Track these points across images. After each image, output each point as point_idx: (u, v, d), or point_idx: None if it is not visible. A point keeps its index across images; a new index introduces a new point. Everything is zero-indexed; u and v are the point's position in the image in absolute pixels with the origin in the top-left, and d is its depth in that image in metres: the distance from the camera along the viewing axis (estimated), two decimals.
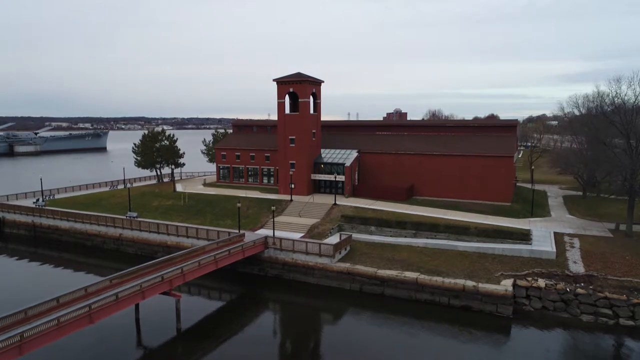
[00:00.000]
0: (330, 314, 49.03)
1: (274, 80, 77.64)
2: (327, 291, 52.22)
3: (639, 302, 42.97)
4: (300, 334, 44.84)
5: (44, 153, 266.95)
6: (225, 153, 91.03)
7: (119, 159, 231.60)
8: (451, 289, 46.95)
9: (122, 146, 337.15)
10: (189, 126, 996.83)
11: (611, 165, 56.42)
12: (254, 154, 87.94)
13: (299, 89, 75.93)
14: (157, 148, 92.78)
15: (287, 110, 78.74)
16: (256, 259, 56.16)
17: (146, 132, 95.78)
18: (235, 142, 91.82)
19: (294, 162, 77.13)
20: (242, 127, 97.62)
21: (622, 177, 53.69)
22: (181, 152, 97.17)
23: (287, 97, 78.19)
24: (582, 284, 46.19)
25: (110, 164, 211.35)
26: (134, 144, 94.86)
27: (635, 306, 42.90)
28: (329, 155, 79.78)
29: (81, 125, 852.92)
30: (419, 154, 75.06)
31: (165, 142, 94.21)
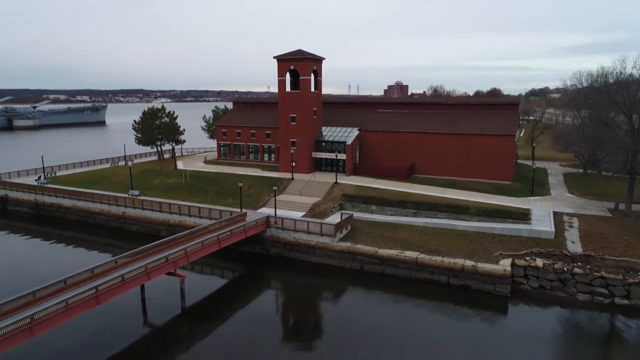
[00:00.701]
0: (332, 292, 49.98)
1: (274, 57, 76.69)
2: (328, 270, 53.12)
3: (634, 281, 43.80)
4: (301, 312, 45.96)
5: (43, 127, 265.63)
6: (225, 130, 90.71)
7: (119, 134, 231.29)
8: (450, 269, 47.76)
9: (121, 120, 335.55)
10: (188, 99, 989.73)
11: (613, 145, 56.44)
12: (254, 132, 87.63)
13: (299, 66, 75.06)
14: (157, 125, 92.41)
15: (288, 88, 78.07)
16: (258, 237, 56.85)
17: (146, 108, 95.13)
18: (236, 119, 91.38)
19: (295, 140, 76.97)
20: (243, 103, 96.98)
21: (624, 157, 53.74)
22: (181, 128, 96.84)
23: (287, 75, 77.37)
24: (580, 264, 46.97)
25: (110, 138, 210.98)
26: (134, 121, 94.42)
27: (631, 286, 43.75)
28: (330, 133, 79.56)
29: (79, 98, 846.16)
30: (420, 132, 74.84)
31: (166, 119, 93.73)
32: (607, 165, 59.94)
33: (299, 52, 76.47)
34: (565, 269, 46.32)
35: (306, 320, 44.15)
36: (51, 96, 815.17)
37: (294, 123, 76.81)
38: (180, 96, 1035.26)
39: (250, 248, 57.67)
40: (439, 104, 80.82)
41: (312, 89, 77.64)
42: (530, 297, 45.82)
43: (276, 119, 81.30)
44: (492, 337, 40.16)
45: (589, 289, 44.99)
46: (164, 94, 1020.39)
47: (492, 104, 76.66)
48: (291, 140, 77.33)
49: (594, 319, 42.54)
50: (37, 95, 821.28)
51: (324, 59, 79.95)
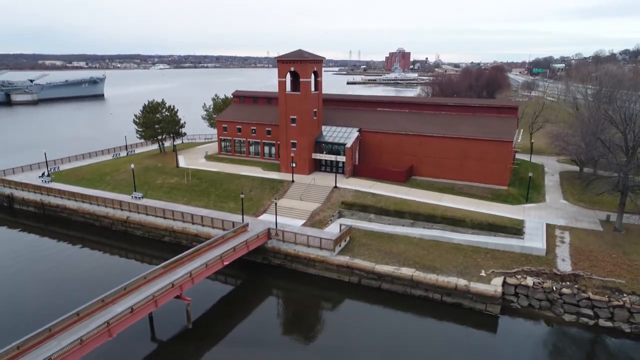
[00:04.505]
0: (331, 305, 52.38)
1: (274, 58, 76.51)
2: (328, 282, 55.32)
3: (619, 304, 45.91)
4: (301, 325, 48.53)
5: (42, 102, 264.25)
6: (226, 125, 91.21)
7: (118, 109, 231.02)
8: (444, 287, 49.85)
9: (119, 92, 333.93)
10: (186, 65, 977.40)
11: (606, 162, 57.46)
12: (255, 128, 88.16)
13: (300, 68, 74.89)
14: (158, 119, 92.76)
15: (288, 88, 78.15)
16: (260, 248, 58.71)
17: (147, 101, 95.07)
18: (236, 115, 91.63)
19: (295, 141, 77.72)
20: (243, 97, 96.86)
21: (617, 176, 54.78)
22: (182, 122, 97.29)
23: (288, 75, 77.25)
24: (568, 283, 49.00)
25: (109, 116, 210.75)
26: (135, 115, 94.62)
27: (615, 308, 45.92)
28: (330, 133, 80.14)
29: (76, 63, 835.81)
30: (419, 135, 75.50)
31: (166, 113, 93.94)
32: (600, 182, 60.69)
33: (299, 53, 76.15)
34: (554, 288, 48.38)
35: (305, 333, 46.67)
36: (47, 62, 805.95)
37: (294, 125, 77.32)
38: (178, 62, 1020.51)
39: (252, 257, 59.58)
40: (438, 104, 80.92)
41: (313, 90, 77.69)
42: (519, 316, 48.12)
43: (277, 115, 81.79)
44: (480, 356, 42.56)
45: (576, 310, 47.18)
46: (161, 59, 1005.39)
47: (491, 107, 76.94)
48: (291, 141, 78.08)
49: (578, 340, 44.99)
50: (32, 61, 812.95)
51: (324, 58, 79.68)
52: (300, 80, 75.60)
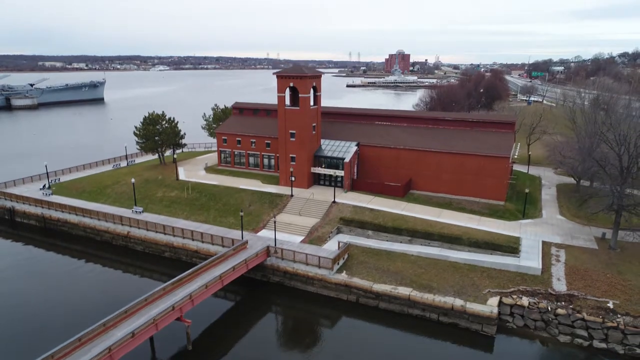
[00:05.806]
0: (329, 323, 53.06)
1: (274, 74, 77.16)
2: (326, 300, 55.98)
3: (612, 325, 46.60)
4: (299, 342, 49.24)
5: (42, 106, 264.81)
6: (226, 137, 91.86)
7: (118, 113, 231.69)
8: (441, 307, 50.52)
9: (119, 95, 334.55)
10: (186, 66, 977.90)
11: (602, 180, 58.10)
12: (254, 140, 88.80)
13: (299, 84, 75.53)
14: (158, 131, 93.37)
15: (288, 103, 78.78)
16: (259, 266, 59.35)
17: (147, 114, 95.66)
18: (236, 127, 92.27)
19: (295, 155, 78.36)
20: (243, 109, 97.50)
21: (612, 194, 55.41)
22: (182, 133, 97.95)
23: (287, 90, 77.89)
24: (563, 303, 49.70)
25: (110, 121, 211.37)
26: (135, 127, 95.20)
27: (609, 329, 46.63)
28: (329, 147, 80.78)
29: (75, 65, 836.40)
30: (417, 150, 76.18)
31: (166, 125, 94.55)
32: (595, 201, 61.25)
33: (298, 68, 76.86)
34: (549, 308, 49.06)
35: (304, 351, 47.34)
36: (47, 64, 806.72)
37: (294, 139, 77.95)
38: (178, 63, 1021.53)
39: (252, 274, 60.21)
40: (437, 119, 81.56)
41: (312, 104, 78.32)
42: (515, 336, 48.86)
43: (276, 127, 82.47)
44: None
45: (570, 331, 47.89)
46: (161, 60, 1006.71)
47: (488, 122, 77.58)
48: (291, 155, 78.73)
49: None
50: (32, 62, 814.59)
51: (322, 74, 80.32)
52: (300, 95, 76.22)
